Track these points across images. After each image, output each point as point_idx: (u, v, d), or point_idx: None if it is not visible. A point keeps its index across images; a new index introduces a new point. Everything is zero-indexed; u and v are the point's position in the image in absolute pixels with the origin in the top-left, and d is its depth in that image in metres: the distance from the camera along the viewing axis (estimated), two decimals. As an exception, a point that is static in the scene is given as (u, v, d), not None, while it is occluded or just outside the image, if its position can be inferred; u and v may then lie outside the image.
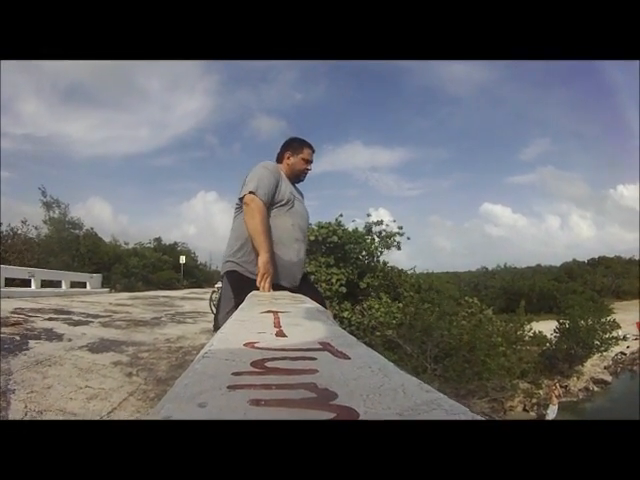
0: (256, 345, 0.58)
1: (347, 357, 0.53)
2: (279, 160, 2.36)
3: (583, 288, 32.71)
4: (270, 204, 2.09)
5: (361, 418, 0.34)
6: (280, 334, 0.68)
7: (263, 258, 1.92)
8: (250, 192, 2.00)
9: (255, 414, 0.32)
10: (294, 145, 2.34)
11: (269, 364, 0.47)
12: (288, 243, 2.13)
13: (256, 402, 0.35)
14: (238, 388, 0.38)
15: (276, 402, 0.35)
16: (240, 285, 2.04)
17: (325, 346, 0.59)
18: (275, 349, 0.56)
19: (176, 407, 0.33)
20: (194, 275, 31.20)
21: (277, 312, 0.99)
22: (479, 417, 0.36)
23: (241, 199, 2.06)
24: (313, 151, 2.37)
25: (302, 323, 0.86)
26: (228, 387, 0.38)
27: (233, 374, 0.43)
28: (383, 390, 0.41)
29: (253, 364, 0.47)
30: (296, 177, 2.33)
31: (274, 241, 2.06)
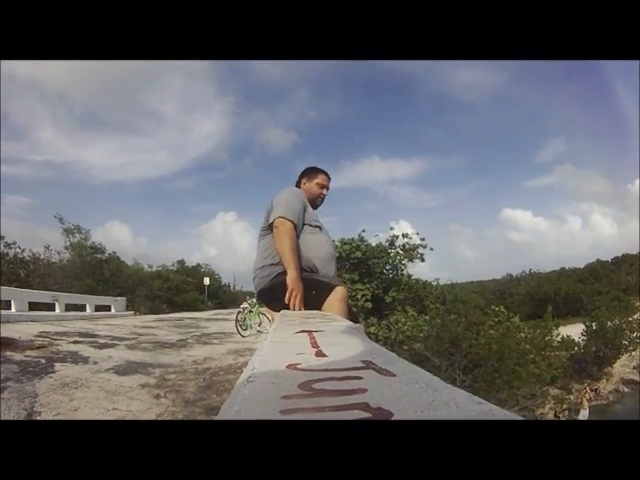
0: (299, 367, 0.57)
1: (392, 374, 0.52)
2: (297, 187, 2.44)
3: (608, 288, 31.67)
4: (300, 225, 2.11)
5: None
6: (320, 354, 0.67)
7: (292, 275, 1.89)
8: (279, 217, 2.01)
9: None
10: (309, 172, 2.44)
11: (316, 385, 0.47)
12: (325, 257, 2.16)
13: (314, 426, 0.34)
14: (291, 412, 0.38)
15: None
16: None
17: (368, 364, 0.58)
18: (319, 370, 0.55)
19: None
20: (219, 296, 31.59)
21: (311, 331, 0.98)
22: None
23: (271, 224, 2.07)
24: (329, 178, 2.46)
25: (340, 341, 0.85)
26: (281, 412, 0.38)
27: (283, 398, 0.42)
28: (436, 405, 0.40)
29: (300, 386, 0.46)
30: (313, 202, 2.37)
31: (311, 255, 2.09)
